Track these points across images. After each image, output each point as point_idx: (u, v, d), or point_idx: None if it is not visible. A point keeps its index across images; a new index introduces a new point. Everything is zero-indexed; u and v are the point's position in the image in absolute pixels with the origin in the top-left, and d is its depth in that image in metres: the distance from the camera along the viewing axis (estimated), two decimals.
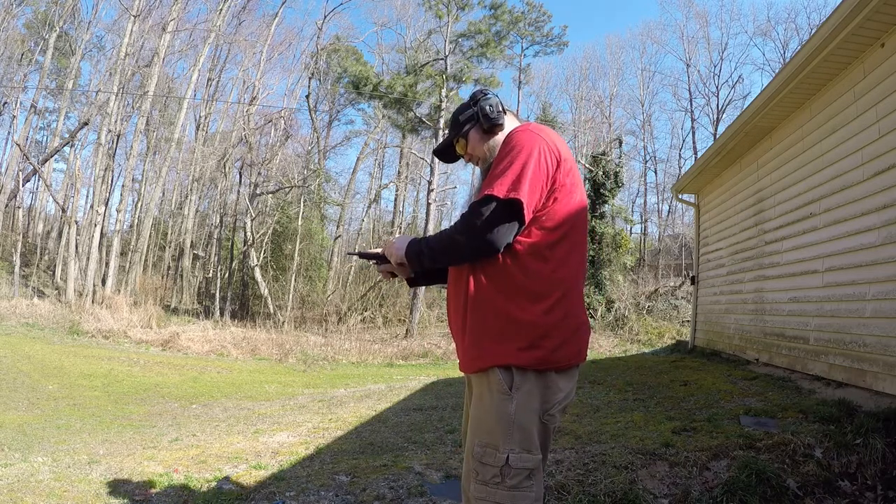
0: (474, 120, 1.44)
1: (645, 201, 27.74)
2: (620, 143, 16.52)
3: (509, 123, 1.46)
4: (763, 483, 2.23)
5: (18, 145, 16.88)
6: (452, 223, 1.31)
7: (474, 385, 1.35)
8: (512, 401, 1.22)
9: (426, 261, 1.31)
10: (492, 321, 1.27)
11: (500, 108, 1.42)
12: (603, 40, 42.53)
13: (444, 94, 15.01)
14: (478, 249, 1.24)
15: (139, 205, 20.99)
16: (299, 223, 17.68)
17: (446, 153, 1.57)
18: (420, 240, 1.34)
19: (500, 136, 1.42)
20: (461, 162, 1.60)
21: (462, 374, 1.46)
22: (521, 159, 1.24)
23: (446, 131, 1.60)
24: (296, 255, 17.21)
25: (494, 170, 1.27)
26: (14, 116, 20.38)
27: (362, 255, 1.52)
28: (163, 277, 20.10)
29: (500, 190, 1.21)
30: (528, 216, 1.23)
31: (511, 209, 1.21)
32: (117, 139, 17.29)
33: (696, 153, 24.64)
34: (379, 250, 1.45)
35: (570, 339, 1.27)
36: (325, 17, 21.53)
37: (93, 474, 2.82)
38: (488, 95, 1.43)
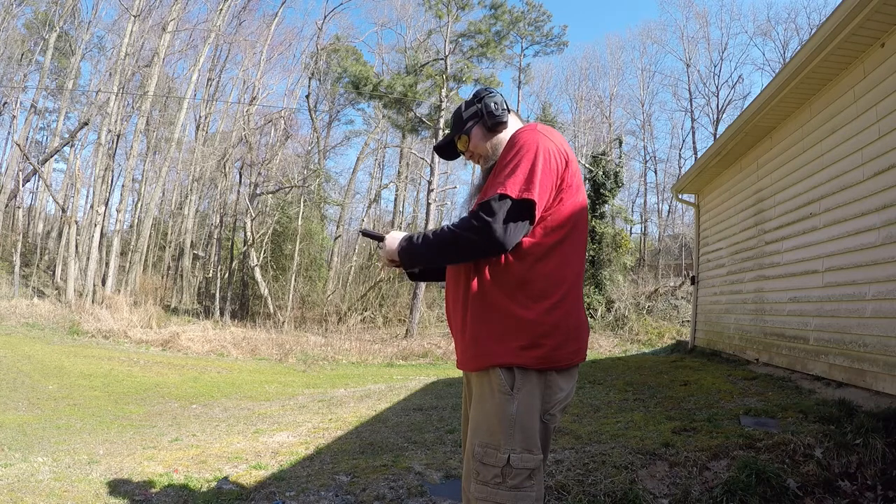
0: (478, 117, 1.44)
1: (645, 201, 27.77)
2: (620, 143, 16.54)
3: (513, 123, 1.46)
4: (763, 483, 2.23)
5: (18, 145, 16.88)
6: (458, 220, 1.28)
7: (474, 385, 1.35)
8: (513, 401, 1.22)
9: (419, 261, 1.31)
10: (493, 320, 1.26)
11: (505, 107, 1.42)
12: (603, 40, 42.57)
13: (444, 94, 15.01)
14: (487, 248, 1.22)
15: (139, 205, 20.98)
16: (299, 223, 17.67)
17: (447, 150, 1.57)
18: (412, 239, 1.31)
19: (504, 135, 1.42)
20: (461, 163, 1.61)
21: (461, 374, 1.46)
22: (529, 159, 1.24)
23: (447, 131, 1.60)
24: (296, 255, 17.21)
25: (503, 169, 1.26)
26: (14, 116, 20.39)
27: (366, 234, 1.50)
28: (163, 277, 20.11)
29: (512, 189, 1.20)
30: (537, 216, 1.23)
31: (524, 209, 1.21)
32: (117, 139, 17.29)
33: (696, 153, 24.65)
34: (385, 234, 1.43)
35: (571, 338, 1.27)
36: (325, 17, 21.58)
37: (93, 474, 2.82)
38: (493, 93, 1.43)
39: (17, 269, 15.36)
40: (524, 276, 1.25)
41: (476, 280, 1.29)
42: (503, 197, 1.20)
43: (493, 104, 1.40)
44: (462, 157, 1.56)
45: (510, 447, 1.20)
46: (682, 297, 13.87)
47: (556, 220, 1.27)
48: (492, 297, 1.27)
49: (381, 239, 1.42)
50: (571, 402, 1.36)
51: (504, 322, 1.25)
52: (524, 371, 1.23)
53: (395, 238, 1.35)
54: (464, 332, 1.33)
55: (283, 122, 19.53)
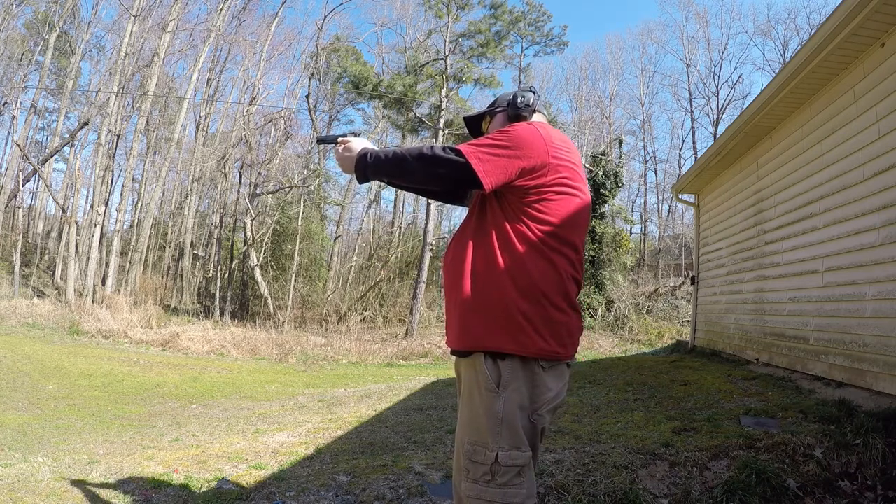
0: (507, 106, 1.53)
1: (645, 201, 27.73)
2: (620, 143, 16.55)
3: (535, 120, 1.52)
4: (763, 483, 2.23)
5: (18, 145, 16.88)
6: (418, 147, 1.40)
7: (463, 379, 1.38)
8: (500, 398, 1.24)
9: (371, 174, 1.43)
10: (481, 307, 1.30)
11: (530, 104, 1.49)
12: (603, 40, 42.51)
13: (444, 94, 15.00)
14: (420, 177, 1.37)
15: (139, 205, 20.96)
16: (299, 223, 17.66)
17: (473, 123, 1.66)
18: (370, 155, 1.41)
19: None
20: None
21: None
22: (504, 140, 1.32)
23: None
24: (296, 255, 17.20)
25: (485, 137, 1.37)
26: (14, 116, 20.37)
27: (321, 140, 1.60)
28: (163, 277, 20.10)
29: (468, 149, 1.30)
30: (486, 183, 1.28)
31: (466, 169, 1.28)
32: (117, 139, 17.28)
33: (696, 153, 24.63)
34: (344, 136, 1.52)
35: (558, 333, 1.29)
36: (325, 17, 21.51)
37: (93, 474, 2.82)
38: (528, 91, 1.52)
39: (17, 269, 15.35)
40: (514, 269, 1.28)
41: (470, 267, 1.33)
42: (459, 152, 1.31)
43: (520, 97, 1.50)
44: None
45: (498, 445, 1.22)
46: (682, 297, 13.86)
47: (546, 215, 1.30)
48: (482, 285, 1.31)
49: (334, 142, 1.52)
50: (563, 403, 1.37)
51: (491, 310, 1.28)
52: (510, 366, 1.25)
53: (355, 146, 1.46)
54: (453, 311, 1.37)
55: (283, 122, 19.51)
